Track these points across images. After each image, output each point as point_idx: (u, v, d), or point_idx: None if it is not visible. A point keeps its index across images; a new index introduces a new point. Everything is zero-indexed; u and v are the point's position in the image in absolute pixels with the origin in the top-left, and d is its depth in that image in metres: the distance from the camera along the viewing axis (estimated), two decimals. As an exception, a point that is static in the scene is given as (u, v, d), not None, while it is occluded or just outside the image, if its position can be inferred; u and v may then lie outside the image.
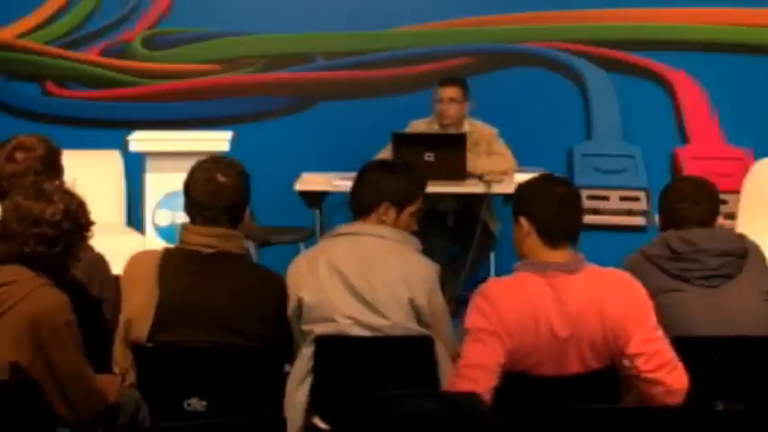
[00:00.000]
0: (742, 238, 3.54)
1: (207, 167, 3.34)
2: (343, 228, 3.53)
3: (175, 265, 3.29)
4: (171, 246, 3.48)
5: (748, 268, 3.43)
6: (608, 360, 3.00)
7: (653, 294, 3.14)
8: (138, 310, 3.24)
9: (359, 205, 3.51)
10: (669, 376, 2.98)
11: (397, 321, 3.31)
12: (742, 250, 3.45)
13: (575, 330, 2.96)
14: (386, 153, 5.68)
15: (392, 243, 3.43)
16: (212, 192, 3.29)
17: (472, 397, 2.09)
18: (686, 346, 3.08)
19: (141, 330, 3.22)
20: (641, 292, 3.08)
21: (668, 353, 3.01)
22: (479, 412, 1.88)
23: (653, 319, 3.04)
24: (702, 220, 3.51)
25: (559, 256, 3.06)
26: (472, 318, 3.02)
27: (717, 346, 3.31)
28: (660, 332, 3.03)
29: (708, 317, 3.35)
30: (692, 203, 3.52)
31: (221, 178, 3.30)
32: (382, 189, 3.47)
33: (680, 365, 3.01)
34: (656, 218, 3.67)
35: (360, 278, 3.33)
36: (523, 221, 3.09)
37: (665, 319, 3.19)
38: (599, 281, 3.04)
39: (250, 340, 3.23)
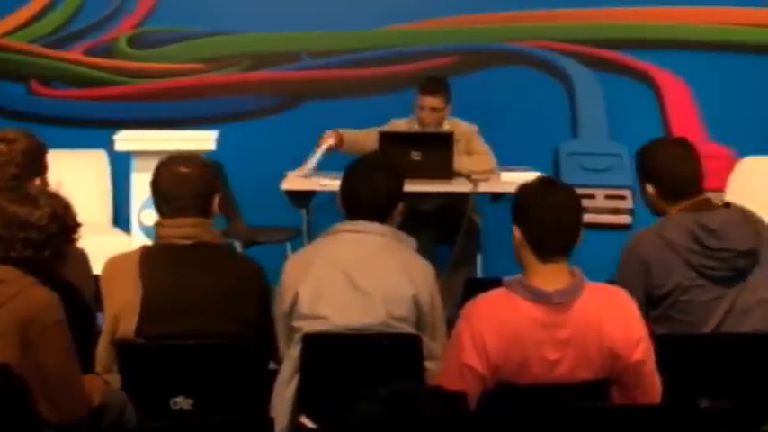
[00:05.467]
0: (755, 223, 3.38)
1: (168, 162, 3.44)
2: (343, 225, 3.49)
3: (155, 260, 3.32)
4: (148, 244, 3.51)
5: (762, 262, 3.32)
6: (601, 374, 2.91)
7: (669, 288, 3.07)
8: (124, 306, 3.26)
9: (376, 208, 3.45)
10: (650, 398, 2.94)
11: (392, 318, 3.30)
12: (758, 244, 3.32)
13: (567, 353, 2.88)
14: (373, 153, 5.67)
15: (391, 241, 3.43)
16: (176, 182, 3.35)
17: (437, 398, 2.06)
18: (686, 343, 3.05)
19: (128, 326, 3.24)
20: (638, 313, 2.96)
21: (658, 383, 2.96)
22: (430, 417, 1.87)
23: (648, 341, 2.95)
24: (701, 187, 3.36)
25: (555, 274, 2.91)
26: (454, 343, 2.94)
27: (708, 342, 3.28)
28: (652, 355, 2.95)
29: (724, 316, 3.28)
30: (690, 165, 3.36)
31: (183, 169, 3.38)
32: (397, 191, 3.49)
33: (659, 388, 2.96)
34: (649, 188, 3.44)
35: (360, 274, 3.33)
36: (516, 231, 2.95)
37: (681, 315, 3.14)
38: (598, 301, 2.92)
39: (237, 326, 3.26)
